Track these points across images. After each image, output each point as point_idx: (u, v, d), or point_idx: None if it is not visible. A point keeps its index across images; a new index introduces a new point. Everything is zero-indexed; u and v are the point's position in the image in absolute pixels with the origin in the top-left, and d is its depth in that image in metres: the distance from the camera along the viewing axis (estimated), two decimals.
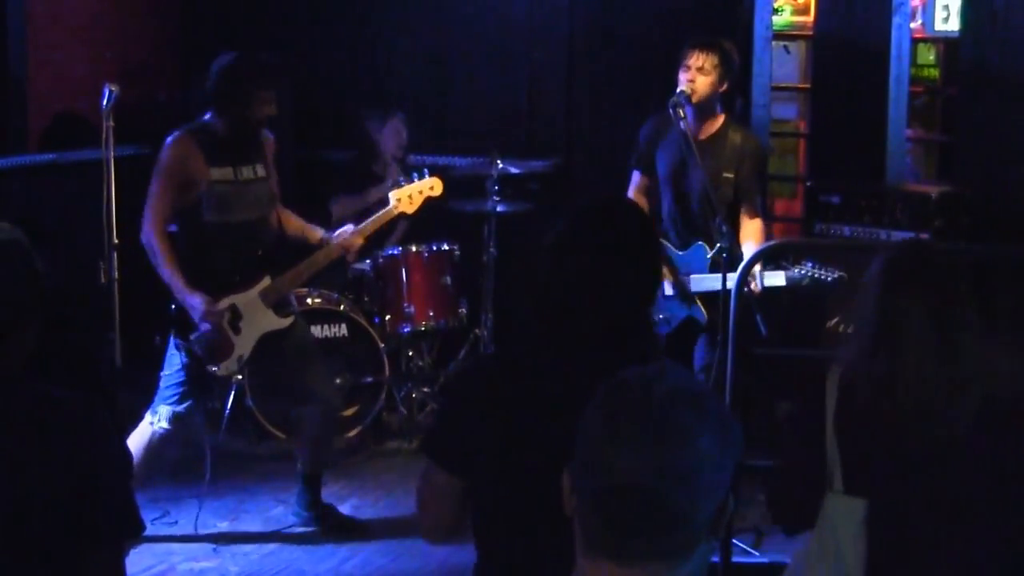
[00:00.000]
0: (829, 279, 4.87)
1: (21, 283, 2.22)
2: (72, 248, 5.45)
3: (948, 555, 2.67)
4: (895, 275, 2.71)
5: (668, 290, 5.17)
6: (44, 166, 6.50)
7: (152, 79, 7.32)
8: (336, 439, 6.07)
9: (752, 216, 5.16)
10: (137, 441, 4.84)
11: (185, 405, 4.89)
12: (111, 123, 4.82)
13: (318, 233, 5.11)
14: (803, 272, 4.91)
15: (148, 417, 4.90)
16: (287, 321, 4.97)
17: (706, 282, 5.02)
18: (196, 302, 4.70)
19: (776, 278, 4.93)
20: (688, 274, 5.10)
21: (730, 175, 5.07)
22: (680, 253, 5.15)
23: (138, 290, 5.20)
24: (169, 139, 4.80)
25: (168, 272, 4.70)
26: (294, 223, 5.14)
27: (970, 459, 2.65)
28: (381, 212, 5.28)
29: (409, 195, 5.32)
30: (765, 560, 4.83)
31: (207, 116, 4.85)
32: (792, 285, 4.96)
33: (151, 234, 4.72)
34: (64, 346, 5.18)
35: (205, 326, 4.74)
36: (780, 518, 2.94)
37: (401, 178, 5.45)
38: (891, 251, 2.79)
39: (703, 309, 5.08)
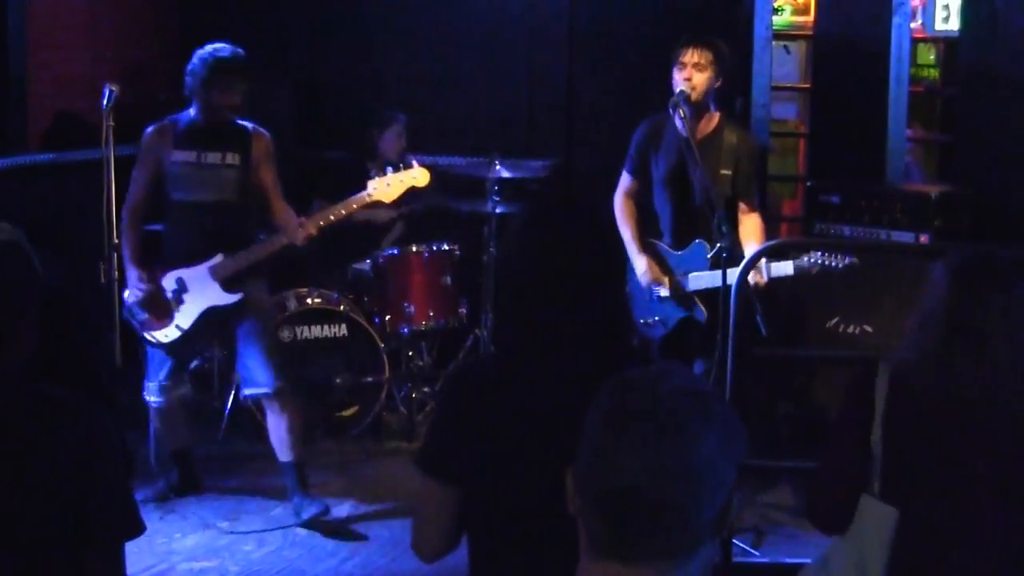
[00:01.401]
0: (840, 266, 4.85)
1: (20, 284, 2.22)
2: (72, 248, 5.45)
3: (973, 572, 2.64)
4: (966, 280, 2.68)
5: (663, 292, 5.15)
6: (44, 166, 6.50)
7: (152, 79, 7.31)
8: (335, 439, 6.10)
9: (750, 212, 5.16)
10: (151, 422, 5.28)
11: (162, 374, 5.17)
12: (111, 123, 4.84)
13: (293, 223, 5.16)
14: (812, 260, 4.88)
15: (145, 395, 5.23)
16: (231, 297, 5.08)
17: (704, 280, 5.02)
18: (130, 273, 5.03)
19: (784, 267, 4.92)
20: (687, 272, 5.09)
21: (728, 172, 5.07)
22: (678, 253, 5.15)
23: None
24: (147, 128, 5.19)
25: (123, 244, 5.03)
26: (282, 218, 5.18)
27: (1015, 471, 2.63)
28: (352, 199, 5.17)
29: (388, 183, 5.17)
30: (765, 560, 4.84)
31: (187, 108, 5.20)
32: (800, 274, 4.94)
33: (124, 209, 5.07)
34: (64, 347, 5.19)
35: (134, 294, 5.02)
36: (817, 519, 2.89)
37: (389, 168, 5.27)
38: (958, 256, 2.76)
39: (703, 308, 5.06)
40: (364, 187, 6.54)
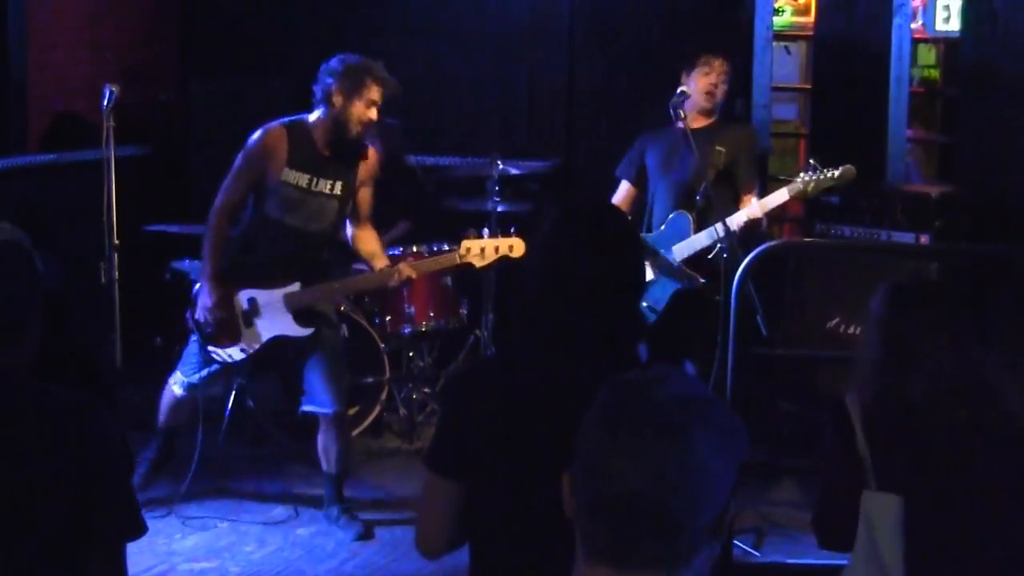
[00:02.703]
0: (835, 175, 4.95)
1: (23, 284, 2.22)
2: (72, 249, 5.45)
3: (987, 545, 2.69)
4: (897, 301, 2.83)
5: (649, 274, 5.20)
6: (44, 166, 6.50)
7: (152, 79, 7.32)
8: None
9: (751, 194, 5.29)
10: (163, 400, 5.17)
11: (200, 376, 5.06)
12: (111, 123, 4.84)
13: (383, 262, 5.06)
14: (807, 178, 4.99)
15: (171, 380, 5.13)
16: (303, 331, 4.96)
17: (686, 247, 5.14)
18: (209, 291, 4.82)
19: (779, 196, 5.06)
20: (671, 244, 5.20)
21: (722, 149, 5.23)
22: (657, 232, 5.26)
23: (138, 291, 5.21)
24: (265, 126, 4.86)
25: (208, 251, 4.85)
26: (369, 246, 5.12)
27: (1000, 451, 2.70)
28: (443, 255, 5.10)
29: (482, 248, 4.98)
30: (766, 560, 4.83)
31: (310, 114, 4.89)
32: (798, 195, 5.07)
33: (215, 210, 4.84)
34: (64, 347, 5.19)
35: (204, 315, 4.85)
36: (829, 542, 2.96)
37: (485, 229, 5.13)
38: (895, 281, 2.92)
39: (696, 275, 5.17)
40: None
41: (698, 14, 6.64)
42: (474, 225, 6.38)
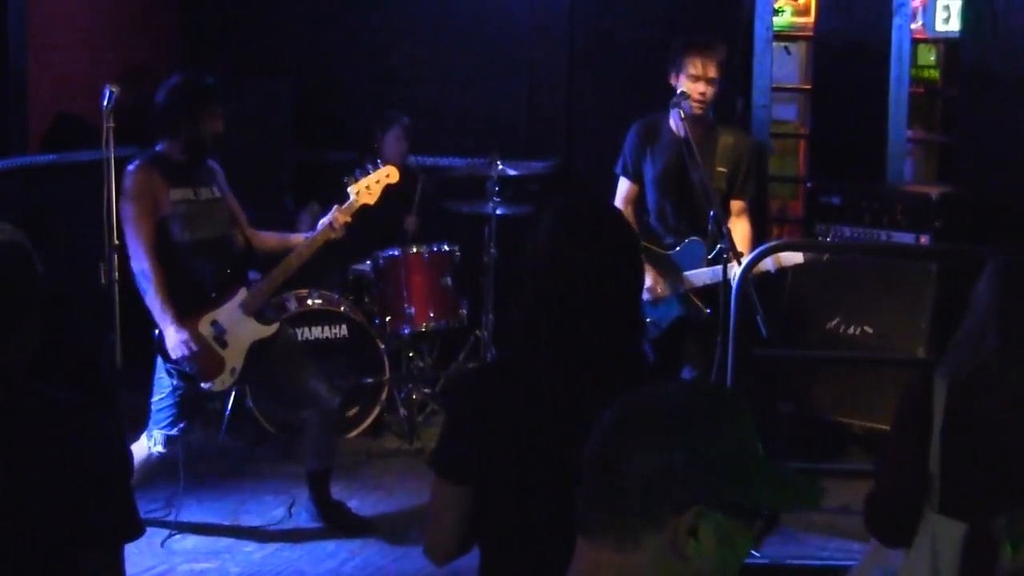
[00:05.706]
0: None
1: (23, 284, 2.22)
2: (72, 249, 5.44)
3: None
4: (1014, 282, 2.62)
5: (657, 291, 5.14)
6: (44, 167, 6.49)
7: (152, 80, 7.28)
8: (337, 439, 6.09)
9: (740, 215, 5.15)
10: (135, 460, 4.84)
11: (178, 428, 4.97)
12: (111, 124, 4.82)
13: (300, 236, 5.17)
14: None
15: (144, 441, 4.99)
16: (272, 328, 5.04)
17: (704, 276, 5.02)
18: (174, 332, 4.76)
19: (794, 256, 4.96)
20: (683, 270, 5.09)
21: (723, 169, 5.08)
22: (671, 252, 5.14)
23: (138, 291, 5.17)
24: (130, 167, 4.86)
25: (158, 301, 4.78)
26: (271, 239, 5.23)
27: None
28: (344, 206, 5.09)
29: (367, 186, 5.16)
30: (765, 561, 4.83)
31: (159, 146, 4.93)
32: (813, 261, 4.97)
33: (144, 260, 4.78)
34: (64, 347, 5.18)
35: (183, 353, 4.79)
36: (877, 532, 2.82)
37: (357, 171, 5.31)
38: (1004, 255, 2.69)
39: (701, 305, 5.06)
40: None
41: (698, 14, 6.64)
42: (475, 228, 6.40)
